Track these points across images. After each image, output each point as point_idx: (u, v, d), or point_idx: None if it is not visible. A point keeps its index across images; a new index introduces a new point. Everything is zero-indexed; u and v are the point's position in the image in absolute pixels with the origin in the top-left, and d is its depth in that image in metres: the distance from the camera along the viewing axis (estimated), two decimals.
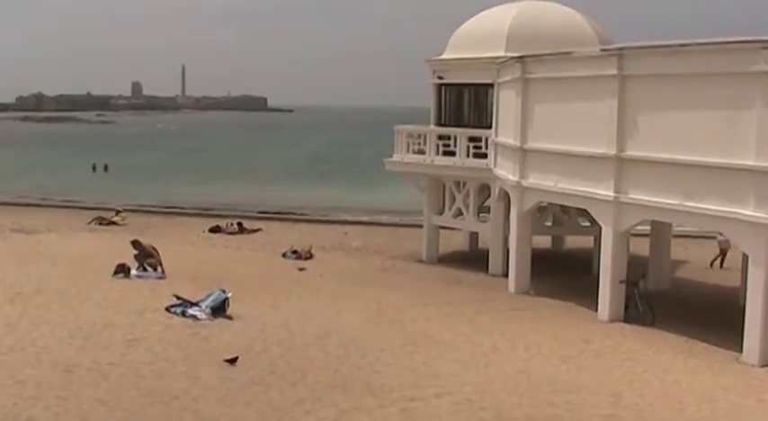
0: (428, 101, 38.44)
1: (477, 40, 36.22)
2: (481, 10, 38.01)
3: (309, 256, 36.77)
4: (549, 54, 29.09)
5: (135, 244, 30.03)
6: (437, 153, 36.69)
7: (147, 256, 29.54)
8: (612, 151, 25.33)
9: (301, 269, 34.06)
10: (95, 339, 19.80)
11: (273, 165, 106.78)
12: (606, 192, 25.58)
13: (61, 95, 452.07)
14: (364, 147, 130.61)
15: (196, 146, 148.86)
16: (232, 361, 18.38)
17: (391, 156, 38.87)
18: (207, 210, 59.22)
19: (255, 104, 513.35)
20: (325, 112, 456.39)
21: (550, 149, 28.61)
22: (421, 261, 37.82)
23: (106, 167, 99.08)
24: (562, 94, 28.53)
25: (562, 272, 34.16)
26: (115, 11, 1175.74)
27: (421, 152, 37.46)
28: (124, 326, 21.05)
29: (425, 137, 37.43)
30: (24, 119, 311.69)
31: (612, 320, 25.74)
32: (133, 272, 28.54)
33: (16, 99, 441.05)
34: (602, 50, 27.51)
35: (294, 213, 58.35)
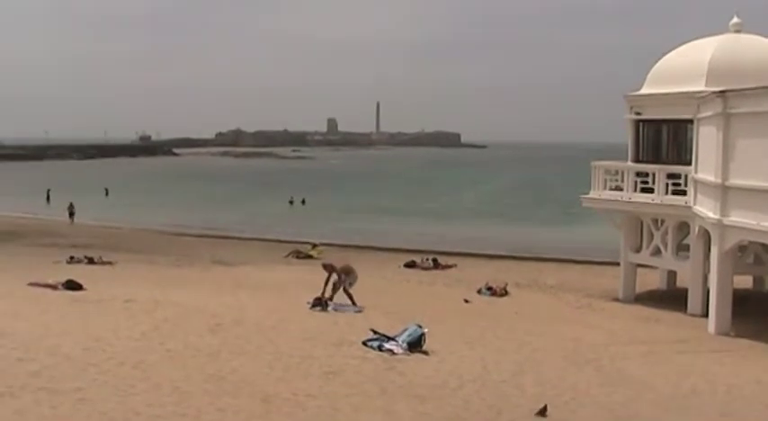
0: (624, 136, 37.96)
1: (676, 74, 35.57)
2: (679, 44, 37.43)
3: (504, 293, 36.65)
4: (753, 88, 28.27)
5: (326, 267, 30.48)
6: (635, 190, 36.14)
7: (331, 271, 30.00)
8: None
9: (467, 301, 34.22)
10: (294, 370, 20.08)
11: (467, 202, 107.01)
12: None
13: (259, 131, 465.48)
14: (558, 183, 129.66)
15: (388, 181, 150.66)
16: (542, 412, 17.94)
17: (587, 193, 38.48)
18: (401, 246, 59.75)
19: (449, 140, 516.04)
20: (518, 148, 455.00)
21: (753, 186, 27.71)
22: (617, 299, 37.18)
23: (304, 201, 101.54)
24: (766, 130, 27.69)
25: (764, 312, 33.02)
26: (311, 49, 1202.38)
27: (618, 189, 36.95)
28: (322, 359, 21.33)
29: (623, 173, 36.93)
30: (223, 154, 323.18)
31: None
32: (330, 305, 29.00)
33: (216, 135, 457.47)
34: None
35: (488, 249, 58.28)
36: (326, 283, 29.85)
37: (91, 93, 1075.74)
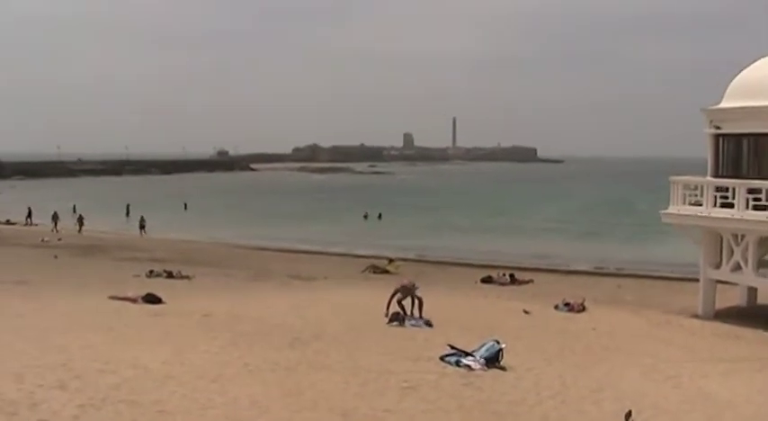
0: (703, 150, 37.54)
1: (756, 88, 35.08)
2: (760, 57, 36.94)
3: (582, 309, 36.39)
4: None
5: (403, 288, 30.60)
6: (714, 205, 35.68)
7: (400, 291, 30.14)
8: None
9: (526, 312, 34.40)
10: (372, 385, 20.12)
11: (543, 217, 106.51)
12: None
13: (335, 146, 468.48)
14: (636, 198, 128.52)
15: (465, 197, 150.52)
16: (627, 416, 18.27)
17: (665, 208, 38.08)
18: (478, 260, 59.66)
19: (525, 155, 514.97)
20: (595, 163, 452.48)
21: None
22: (696, 316, 36.69)
23: (380, 216, 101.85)
24: None
25: None
26: (387, 64, 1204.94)
27: (697, 204, 36.52)
28: (399, 374, 21.35)
29: (702, 188, 36.50)
30: (300, 169, 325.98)
31: None
32: (408, 321, 29.04)
33: (293, 150, 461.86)
34: None
35: (566, 265, 58.01)
36: (389, 303, 30.02)
37: (170, 109, 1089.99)
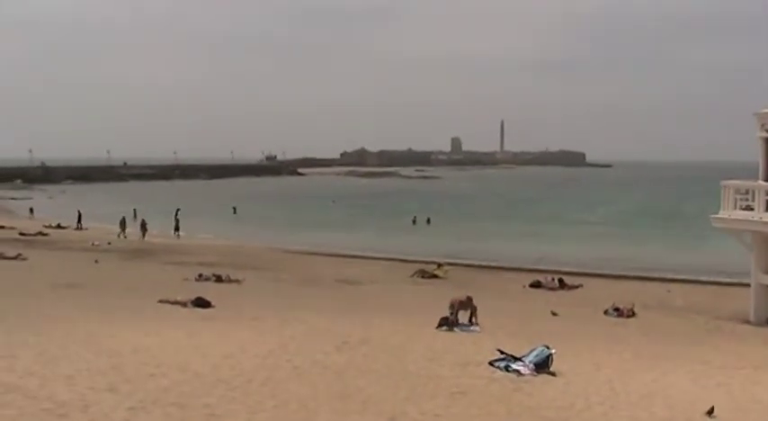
0: (755, 154, 37.18)
1: None
2: None
3: (632, 314, 36.21)
4: None
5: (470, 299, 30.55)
6: (766, 209, 35.34)
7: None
8: None
9: (554, 314, 34.60)
10: (421, 390, 20.05)
11: (591, 221, 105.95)
12: None
13: (383, 151, 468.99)
14: (685, 202, 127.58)
15: (513, 201, 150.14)
16: (709, 412, 18.64)
17: (715, 213, 37.75)
18: (527, 265, 59.41)
19: (573, 159, 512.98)
20: (645, 167, 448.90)
21: None
22: (748, 321, 36.36)
23: (429, 220, 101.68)
24: None
25: None
26: (434, 68, 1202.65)
27: (749, 208, 36.18)
28: (449, 379, 21.30)
29: (754, 192, 36.15)
30: (348, 173, 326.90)
31: None
32: (456, 327, 28.98)
33: (341, 154, 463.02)
34: None
35: (615, 270, 57.62)
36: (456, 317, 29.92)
37: (218, 114, 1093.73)
